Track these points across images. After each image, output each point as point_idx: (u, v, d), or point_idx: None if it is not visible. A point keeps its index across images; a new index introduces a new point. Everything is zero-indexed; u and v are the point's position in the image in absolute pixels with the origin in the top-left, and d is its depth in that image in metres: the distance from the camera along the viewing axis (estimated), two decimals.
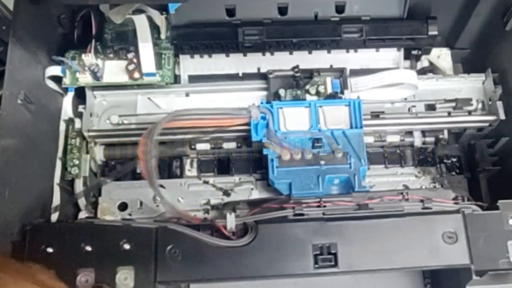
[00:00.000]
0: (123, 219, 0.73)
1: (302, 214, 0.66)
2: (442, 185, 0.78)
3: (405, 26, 0.81)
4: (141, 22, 0.75)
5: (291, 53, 0.83)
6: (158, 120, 0.78)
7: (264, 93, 0.81)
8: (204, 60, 0.84)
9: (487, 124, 0.79)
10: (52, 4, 0.76)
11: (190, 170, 0.79)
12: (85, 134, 0.75)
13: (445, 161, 0.81)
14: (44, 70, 0.74)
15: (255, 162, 0.78)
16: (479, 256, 0.63)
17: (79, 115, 0.77)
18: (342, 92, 0.78)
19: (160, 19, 0.78)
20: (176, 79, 0.82)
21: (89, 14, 0.78)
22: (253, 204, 0.71)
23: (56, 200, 0.72)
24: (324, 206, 0.67)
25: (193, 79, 0.84)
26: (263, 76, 0.81)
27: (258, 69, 0.84)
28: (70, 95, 0.77)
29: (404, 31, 0.81)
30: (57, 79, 0.75)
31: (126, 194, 0.76)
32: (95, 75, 0.75)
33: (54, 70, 0.75)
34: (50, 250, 0.62)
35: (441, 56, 0.87)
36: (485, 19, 0.82)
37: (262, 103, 0.75)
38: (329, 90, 0.78)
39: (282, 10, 0.81)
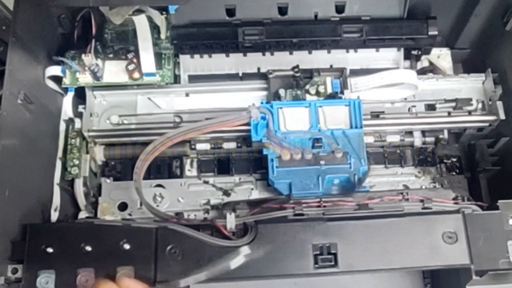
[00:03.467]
0: (123, 219, 0.73)
1: (302, 214, 0.66)
2: (442, 185, 0.78)
3: (405, 26, 0.81)
4: (141, 22, 0.75)
5: (291, 53, 0.83)
6: (157, 119, 0.79)
7: (264, 93, 0.81)
8: (204, 60, 0.84)
9: (487, 124, 0.79)
10: (53, 5, 0.76)
11: (190, 170, 0.79)
12: (85, 134, 0.75)
13: (445, 161, 0.81)
14: (44, 70, 0.74)
15: (255, 162, 0.78)
16: (479, 256, 0.63)
17: (79, 115, 0.77)
18: (342, 92, 0.78)
19: (160, 19, 0.78)
20: (176, 79, 0.82)
21: (89, 14, 0.78)
22: (253, 204, 0.71)
23: (56, 200, 0.72)
24: (324, 206, 0.67)
25: (193, 79, 0.84)
26: (263, 76, 0.81)
27: (258, 69, 0.84)
28: (70, 95, 0.77)
29: (404, 31, 0.80)
30: (57, 79, 0.75)
31: (126, 194, 0.76)
32: (95, 75, 0.75)
33: (54, 70, 0.75)
34: (50, 250, 0.62)
35: (441, 56, 0.87)
36: (485, 19, 0.82)
37: (262, 103, 0.75)
38: (329, 90, 0.78)
39: (282, 10, 0.81)
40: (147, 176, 0.77)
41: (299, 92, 0.78)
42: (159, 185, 0.77)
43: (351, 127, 0.74)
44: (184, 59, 0.83)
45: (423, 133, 0.80)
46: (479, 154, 0.79)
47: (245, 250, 0.62)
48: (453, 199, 0.70)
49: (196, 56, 0.83)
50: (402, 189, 0.77)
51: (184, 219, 0.72)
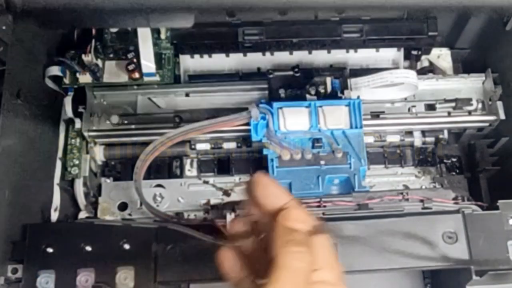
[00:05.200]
0: (123, 219, 0.73)
1: None
2: (442, 185, 0.78)
3: (405, 26, 0.81)
4: None
5: (291, 53, 0.83)
6: (157, 119, 0.79)
7: (264, 93, 0.81)
8: (204, 60, 0.84)
9: (487, 124, 0.79)
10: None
11: (190, 170, 0.79)
12: (85, 134, 0.75)
13: (445, 161, 0.81)
14: (44, 70, 0.74)
15: (255, 162, 0.78)
16: (479, 256, 0.63)
17: (79, 115, 0.77)
18: (342, 92, 0.78)
19: None
20: (176, 79, 0.82)
21: None
22: None
23: (56, 200, 0.72)
24: (324, 206, 0.67)
25: (193, 79, 0.84)
26: (263, 76, 0.81)
27: (258, 69, 0.84)
28: (70, 95, 0.77)
29: (404, 31, 0.80)
30: (57, 79, 0.75)
31: (126, 194, 0.76)
32: (95, 75, 0.75)
33: (54, 70, 0.74)
34: (50, 250, 0.62)
35: (441, 56, 0.87)
36: (485, 19, 0.81)
37: (262, 103, 0.75)
38: (329, 90, 0.78)
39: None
40: (147, 176, 0.77)
41: (299, 92, 0.78)
42: (159, 185, 0.77)
43: (351, 127, 0.74)
44: (184, 59, 0.83)
45: (423, 133, 0.80)
46: (479, 154, 0.79)
47: None
48: (453, 199, 0.70)
49: (196, 56, 0.83)
50: (402, 189, 0.77)
51: (184, 219, 0.72)
